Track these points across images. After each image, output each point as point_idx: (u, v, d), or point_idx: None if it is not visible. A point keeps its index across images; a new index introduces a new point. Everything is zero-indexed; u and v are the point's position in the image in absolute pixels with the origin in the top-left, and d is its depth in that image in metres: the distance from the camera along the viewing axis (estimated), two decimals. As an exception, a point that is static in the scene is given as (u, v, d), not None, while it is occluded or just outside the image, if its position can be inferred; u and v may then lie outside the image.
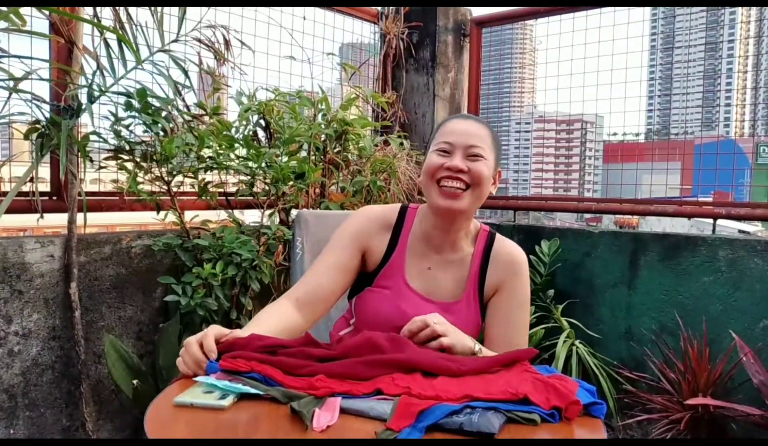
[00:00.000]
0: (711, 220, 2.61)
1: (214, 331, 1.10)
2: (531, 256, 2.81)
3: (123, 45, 2.00)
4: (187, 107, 2.34)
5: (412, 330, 1.16)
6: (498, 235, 1.41)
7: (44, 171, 2.19)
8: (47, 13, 2.05)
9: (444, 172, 1.28)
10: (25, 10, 1.73)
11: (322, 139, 2.70)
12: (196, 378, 1.04)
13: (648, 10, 3.03)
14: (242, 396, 0.98)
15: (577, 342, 2.56)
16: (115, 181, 2.33)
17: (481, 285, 1.37)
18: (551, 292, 2.78)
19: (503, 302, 1.36)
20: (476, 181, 1.29)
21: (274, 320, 1.23)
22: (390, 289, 1.36)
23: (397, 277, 1.37)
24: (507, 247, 1.39)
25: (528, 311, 1.40)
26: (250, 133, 2.56)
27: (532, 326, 2.65)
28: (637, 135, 3.42)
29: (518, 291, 1.37)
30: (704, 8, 3.08)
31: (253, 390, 0.98)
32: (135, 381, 1.97)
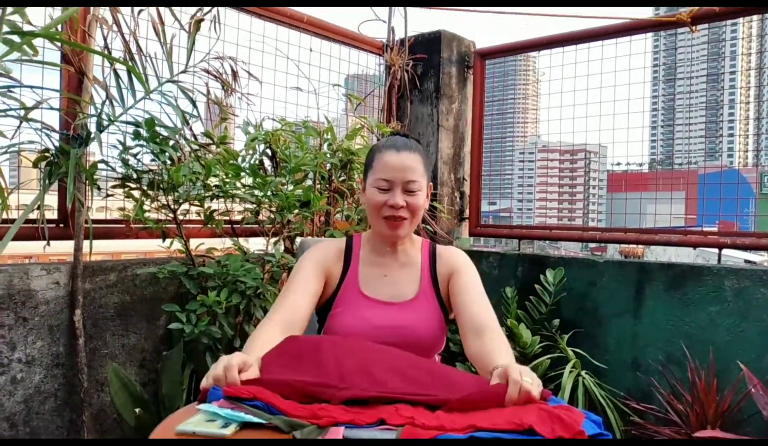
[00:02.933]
0: (716, 250, 2.60)
1: (238, 362, 1.10)
2: (536, 285, 2.80)
3: (132, 75, 2.04)
4: (195, 136, 2.37)
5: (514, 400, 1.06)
6: (437, 244, 1.60)
7: (51, 198, 2.22)
8: (59, 44, 2.09)
9: (387, 210, 1.45)
10: (37, 42, 1.77)
11: (328, 167, 2.72)
12: (199, 407, 1.03)
13: (650, 42, 3.07)
14: (245, 425, 0.97)
15: (583, 373, 2.53)
16: (122, 209, 2.35)
17: (434, 279, 1.52)
18: (556, 322, 2.76)
19: (457, 282, 1.50)
20: (414, 212, 1.47)
21: (268, 347, 1.24)
22: (347, 305, 1.48)
23: (353, 292, 1.50)
24: (447, 248, 1.59)
25: (482, 288, 1.50)
26: (257, 161, 2.58)
27: (537, 356, 2.62)
28: (640, 165, 3.44)
29: (468, 272, 1.52)
30: (705, 41, 3.12)
31: (255, 419, 0.97)
32: (137, 410, 1.96)
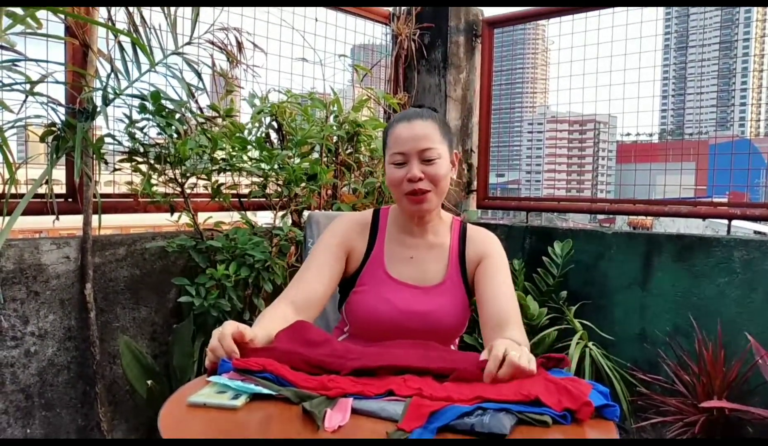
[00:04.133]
0: (726, 221, 2.58)
1: (231, 330, 1.11)
2: (543, 257, 2.80)
3: (137, 48, 2.02)
4: (201, 109, 2.36)
5: (494, 375, 1.02)
6: (468, 224, 1.54)
7: (59, 173, 2.22)
8: (63, 16, 2.07)
9: (407, 185, 1.37)
10: (41, 14, 1.75)
11: (334, 140, 2.71)
12: (209, 378, 1.05)
13: (661, 8, 3.00)
14: (255, 396, 0.98)
15: (590, 344, 2.54)
16: (130, 183, 2.35)
17: (462, 264, 1.46)
18: (564, 294, 2.76)
19: (486, 269, 1.44)
20: (436, 182, 1.39)
21: (278, 325, 1.24)
22: (371, 284, 1.43)
23: (378, 270, 1.45)
24: (479, 230, 1.52)
25: (510, 278, 1.45)
26: (263, 134, 2.57)
27: (544, 328, 2.64)
28: (650, 135, 3.40)
29: (498, 259, 1.46)
30: (719, 6, 3.05)
31: (265, 391, 0.99)
32: (149, 382, 1.99)
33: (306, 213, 1.86)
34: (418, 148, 1.36)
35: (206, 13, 2.24)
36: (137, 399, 2.22)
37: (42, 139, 2.02)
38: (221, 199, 2.42)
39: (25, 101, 1.90)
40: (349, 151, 2.78)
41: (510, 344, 1.07)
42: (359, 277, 1.45)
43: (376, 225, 1.49)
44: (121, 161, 2.24)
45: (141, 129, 2.18)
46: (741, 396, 2.23)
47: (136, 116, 2.13)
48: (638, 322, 2.63)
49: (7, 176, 1.87)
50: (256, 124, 2.53)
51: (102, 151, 2.11)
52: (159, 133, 2.21)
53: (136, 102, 2.10)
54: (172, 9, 2.13)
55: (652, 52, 2.96)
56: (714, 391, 2.21)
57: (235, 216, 2.52)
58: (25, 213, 1.88)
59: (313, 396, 0.96)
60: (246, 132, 2.45)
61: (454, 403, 0.93)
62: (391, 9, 3.38)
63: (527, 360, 1.04)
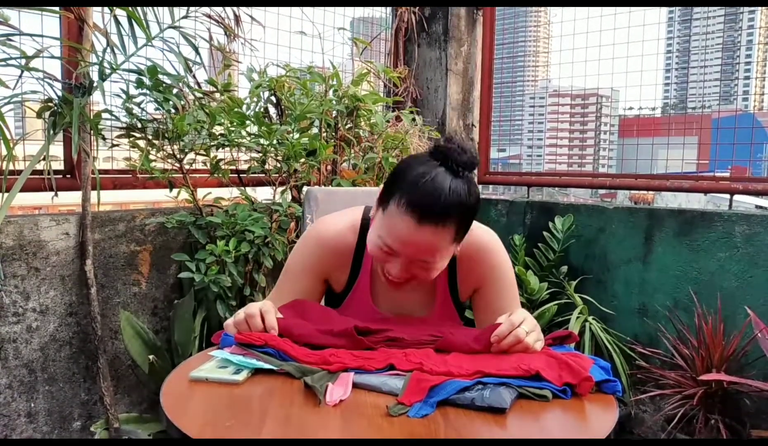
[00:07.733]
0: (728, 196, 2.57)
1: (273, 307, 1.13)
2: (544, 232, 2.79)
3: (133, 22, 1.99)
4: (198, 84, 2.33)
5: (501, 339, 1.04)
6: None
7: (57, 149, 2.20)
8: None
9: (386, 272, 1.18)
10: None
11: (334, 115, 2.68)
12: (211, 353, 1.05)
13: (666, -21, 2.94)
14: (256, 371, 0.99)
15: (590, 318, 2.55)
16: (128, 159, 2.34)
17: (452, 288, 1.29)
18: (564, 268, 2.77)
19: (487, 295, 1.28)
20: (423, 283, 1.21)
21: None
22: (356, 314, 1.26)
23: (364, 305, 1.29)
24: (473, 238, 1.22)
25: (514, 284, 1.30)
26: (261, 109, 2.55)
27: (544, 302, 2.64)
28: (653, 109, 3.36)
29: (499, 278, 1.27)
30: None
31: (267, 365, 0.99)
32: (151, 357, 2.00)
33: (305, 188, 1.85)
34: (415, 257, 1.12)
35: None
36: (139, 373, 2.23)
37: (39, 115, 2.00)
38: (220, 175, 2.41)
39: (20, 76, 1.88)
40: (348, 125, 2.76)
41: (528, 320, 1.07)
42: (344, 302, 1.32)
43: (362, 248, 1.26)
44: (119, 137, 2.22)
45: (138, 104, 2.16)
46: (739, 369, 2.25)
47: (133, 91, 2.11)
48: (638, 297, 2.64)
49: (4, 152, 1.86)
50: (255, 99, 2.50)
51: (99, 126, 2.09)
52: (156, 109, 2.19)
53: (133, 77, 2.08)
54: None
55: (655, 25, 2.91)
56: (713, 364, 2.22)
57: (234, 192, 2.51)
58: (23, 189, 1.87)
59: (315, 370, 0.97)
60: (244, 107, 2.43)
61: (455, 378, 0.94)
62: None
63: (534, 340, 1.06)
